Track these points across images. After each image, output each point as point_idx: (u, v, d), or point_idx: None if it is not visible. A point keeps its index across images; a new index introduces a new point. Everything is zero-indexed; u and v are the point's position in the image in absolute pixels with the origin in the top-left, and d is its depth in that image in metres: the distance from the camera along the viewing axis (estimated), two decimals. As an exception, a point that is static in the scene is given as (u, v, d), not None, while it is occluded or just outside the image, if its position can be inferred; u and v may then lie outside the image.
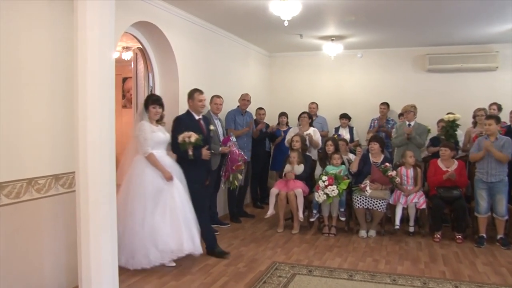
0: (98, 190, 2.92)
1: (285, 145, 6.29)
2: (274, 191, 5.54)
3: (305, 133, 6.14)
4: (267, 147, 7.06)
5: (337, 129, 7.35)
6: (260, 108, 6.93)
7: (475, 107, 6.09)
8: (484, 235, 4.94)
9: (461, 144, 6.03)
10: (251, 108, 6.51)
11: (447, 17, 5.51)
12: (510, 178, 4.92)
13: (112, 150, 3.03)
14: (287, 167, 5.63)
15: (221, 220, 5.82)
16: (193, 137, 4.18)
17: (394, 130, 6.23)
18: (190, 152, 4.21)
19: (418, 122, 5.96)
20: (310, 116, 6.49)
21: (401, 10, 5.18)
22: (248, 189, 6.77)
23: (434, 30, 6.25)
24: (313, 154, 6.19)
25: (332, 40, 6.72)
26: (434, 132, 6.28)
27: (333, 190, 5.12)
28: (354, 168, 5.45)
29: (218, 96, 5.50)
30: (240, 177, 5.30)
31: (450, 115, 5.76)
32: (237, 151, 5.18)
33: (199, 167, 4.36)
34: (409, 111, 5.90)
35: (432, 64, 7.31)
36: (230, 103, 6.15)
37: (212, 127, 4.76)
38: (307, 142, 5.99)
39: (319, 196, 5.18)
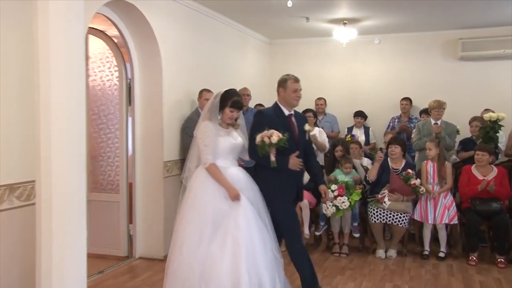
0: (64, 203, 2.87)
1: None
2: (275, 203, 5.50)
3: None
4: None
5: (350, 129, 7.34)
6: (259, 105, 6.90)
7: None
8: None
9: (502, 146, 5.93)
10: (250, 105, 6.48)
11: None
12: None
13: (82, 155, 3.00)
14: None
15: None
16: (274, 136, 3.67)
17: (415, 130, 6.17)
18: (273, 158, 3.72)
19: (445, 121, 5.92)
20: (315, 115, 6.48)
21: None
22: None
23: (468, 9, 6.16)
24: (320, 158, 6.15)
25: (345, 24, 6.70)
26: (464, 133, 6.22)
27: (343, 202, 5.08)
28: (372, 176, 5.40)
29: (208, 91, 5.43)
30: None
31: (491, 114, 5.62)
32: None
33: (285, 180, 3.87)
34: (442, 108, 5.82)
35: (466, 51, 7.25)
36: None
37: (307, 128, 4.13)
38: (314, 145, 5.94)
39: (327, 209, 5.15)
